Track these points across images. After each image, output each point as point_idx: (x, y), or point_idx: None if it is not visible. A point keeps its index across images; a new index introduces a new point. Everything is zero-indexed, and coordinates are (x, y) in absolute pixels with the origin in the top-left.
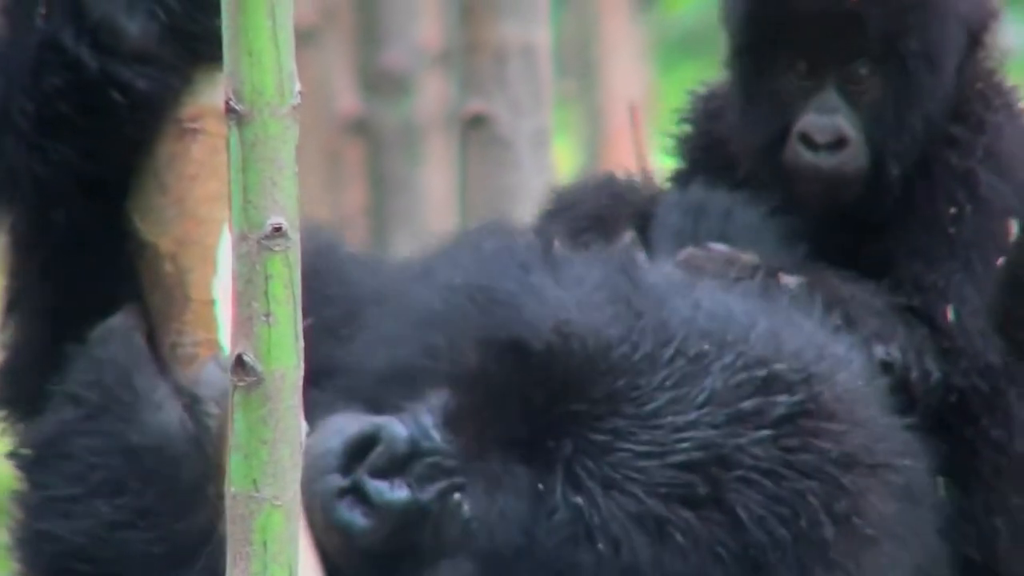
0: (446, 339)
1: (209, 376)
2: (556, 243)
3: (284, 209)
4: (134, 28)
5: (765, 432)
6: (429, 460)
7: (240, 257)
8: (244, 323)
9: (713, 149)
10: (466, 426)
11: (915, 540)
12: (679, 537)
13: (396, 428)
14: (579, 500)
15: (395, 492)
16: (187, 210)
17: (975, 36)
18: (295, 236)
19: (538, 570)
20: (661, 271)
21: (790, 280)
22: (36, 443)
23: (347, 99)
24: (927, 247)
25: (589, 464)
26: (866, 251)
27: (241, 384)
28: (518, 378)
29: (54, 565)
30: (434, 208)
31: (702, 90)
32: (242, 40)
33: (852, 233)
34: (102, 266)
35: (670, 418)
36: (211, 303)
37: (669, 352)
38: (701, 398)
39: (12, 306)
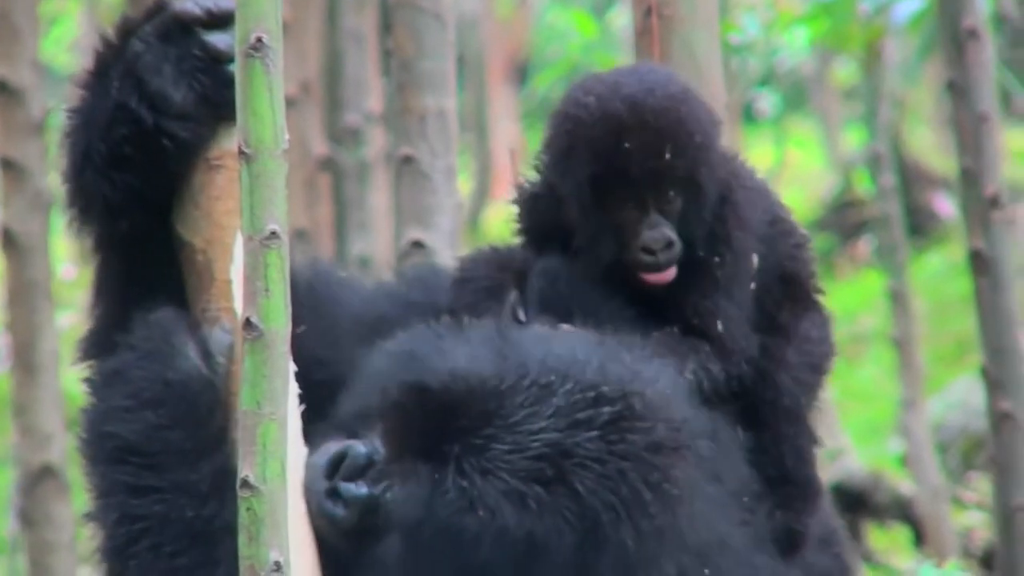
0: (384, 385)
1: (217, 337)
2: (465, 318)
3: (277, 219)
4: (178, 96)
5: (595, 432)
6: (380, 467)
7: (248, 251)
8: (251, 296)
9: (550, 234)
10: (392, 440)
11: (726, 484)
12: (535, 506)
13: (358, 448)
14: (464, 483)
15: (359, 490)
16: (213, 219)
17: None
18: (285, 238)
19: (438, 534)
20: (529, 328)
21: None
22: (104, 373)
23: (319, 146)
24: (702, 286)
25: (471, 459)
26: (670, 299)
27: (249, 337)
28: (423, 406)
29: (113, 457)
30: (379, 220)
31: (527, 188)
32: (249, 105)
33: (662, 291)
34: (154, 259)
35: (526, 426)
36: (229, 282)
37: (526, 382)
38: (549, 412)
39: (97, 291)
